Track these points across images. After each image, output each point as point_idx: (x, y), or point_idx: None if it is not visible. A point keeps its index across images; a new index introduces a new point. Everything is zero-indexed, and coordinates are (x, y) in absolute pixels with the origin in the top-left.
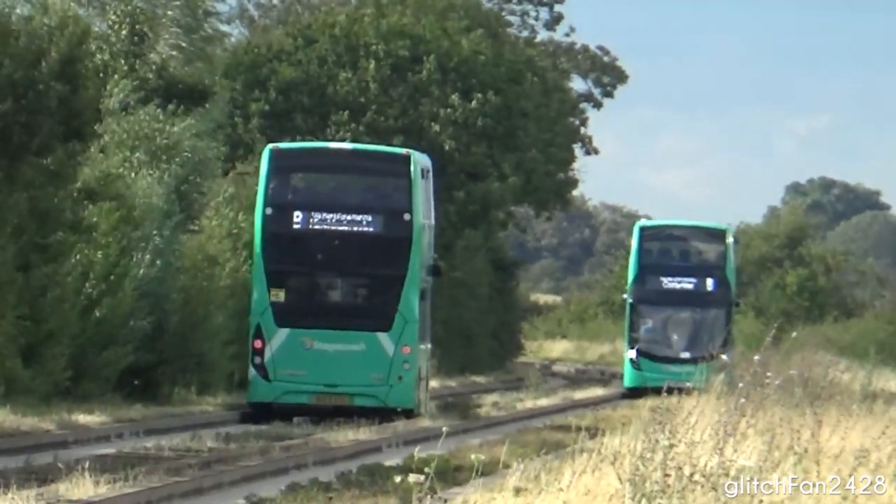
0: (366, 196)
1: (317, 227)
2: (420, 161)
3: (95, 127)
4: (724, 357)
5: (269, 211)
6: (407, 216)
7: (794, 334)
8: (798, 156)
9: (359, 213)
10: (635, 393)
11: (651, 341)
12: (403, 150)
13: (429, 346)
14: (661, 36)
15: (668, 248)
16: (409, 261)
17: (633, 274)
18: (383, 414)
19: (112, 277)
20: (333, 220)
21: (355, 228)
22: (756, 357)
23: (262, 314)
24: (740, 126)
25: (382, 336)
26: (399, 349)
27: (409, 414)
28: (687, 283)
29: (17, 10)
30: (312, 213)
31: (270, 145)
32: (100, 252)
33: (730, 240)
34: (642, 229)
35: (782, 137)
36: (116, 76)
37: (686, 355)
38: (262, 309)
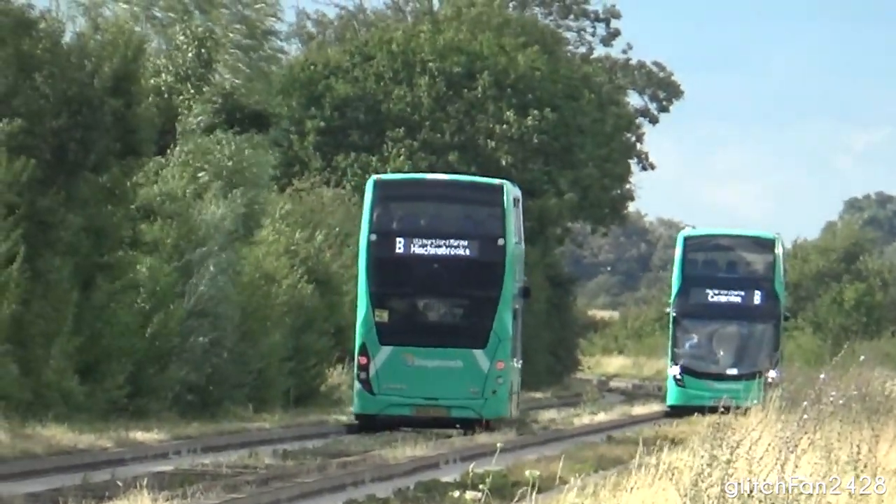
0: (462, 223)
1: (417, 252)
2: (512, 191)
3: (172, 147)
4: (772, 374)
5: (373, 237)
6: (500, 241)
7: (848, 346)
8: (856, 171)
9: (456, 239)
10: (679, 412)
11: (695, 357)
12: (497, 181)
13: (520, 361)
14: (719, 51)
15: (714, 258)
16: (502, 283)
17: (677, 286)
18: (479, 425)
19: (169, 295)
20: (432, 246)
21: (452, 253)
22: (822, 376)
23: (367, 333)
24: (799, 141)
25: (478, 353)
26: (493, 365)
27: (501, 425)
28: (733, 296)
29: (70, 27)
30: (413, 240)
31: (374, 177)
32: (156, 269)
33: (779, 249)
34: (686, 239)
35: (841, 152)
36: (182, 97)
37: (733, 372)
38: (367, 328)
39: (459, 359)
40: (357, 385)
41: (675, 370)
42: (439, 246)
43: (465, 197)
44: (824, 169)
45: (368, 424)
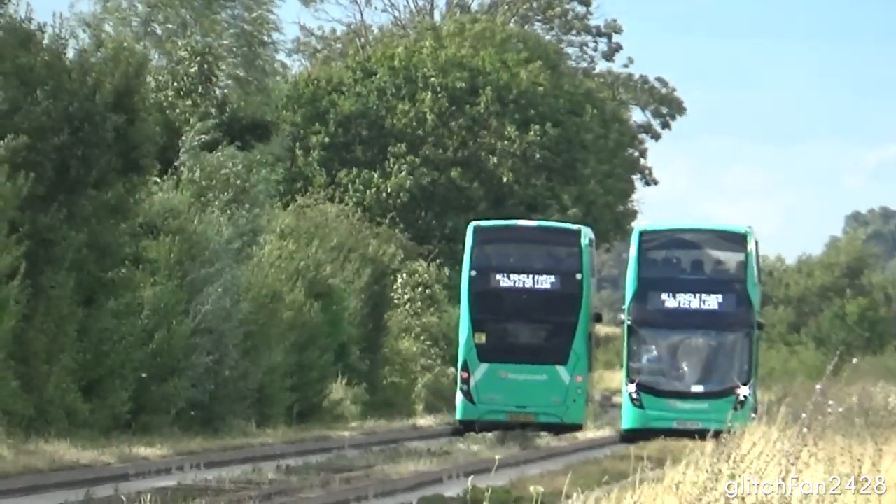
0: (547, 261)
1: (509, 285)
2: (587, 234)
3: (176, 164)
4: (744, 392)
5: (473, 273)
6: (578, 276)
7: (854, 361)
8: (865, 187)
9: (542, 275)
10: (636, 437)
11: (655, 373)
12: (575, 226)
13: (593, 374)
14: (722, 68)
15: (676, 257)
16: (580, 310)
17: (632, 290)
18: (559, 429)
19: (173, 313)
20: (522, 280)
21: (539, 286)
22: (818, 386)
23: (468, 352)
24: (807, 159)
25: (560, 368)
26: (573, 378)
27: (579, 428)
28: (699, 301)
29: (72, 43)
30: (506, 275)
31: (473, 223)
32: (160, 286)
33: (751, 246)
34: (643, 234)
35: (850, 170)
36: (178, 111)
37: (698, 389)
38: (468, 348)
39: (545, 373)
40: (459, 395)
41: (631, 388)
42: (528, 280)
43: (548, 239)
44: (833, 186)
45: (469, 428)
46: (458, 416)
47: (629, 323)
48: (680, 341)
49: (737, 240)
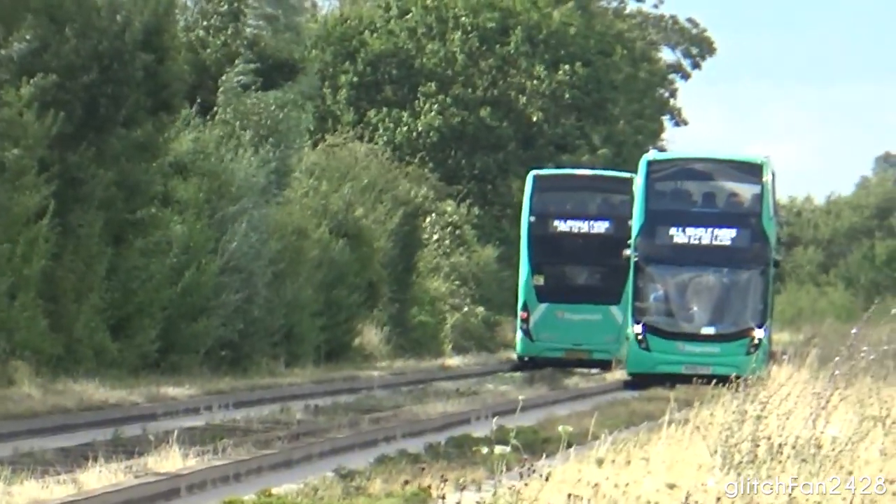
0: (600, 207)
1: (566, 229)
2: (636, 181)
3: (216, 107)
4: (760, 334)
5: (532, 219)
6: (629, 222)
7: (879, 301)
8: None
9: (596, 220)
10: (642, 381)
11: (662, 313)
12: (628, 174)
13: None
14: (756, 9)
15: (686, 189)
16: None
17: (639, 223)
18: (606, 365)
19: (202, 251)
20: (578, 225)
21: (593, 231)
22: (854, 330)
23: (528, 293)
24: (841, 100)
25: (613, 308)
26: (625, 318)
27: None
28: (710, 236)
29: None
30: (563, 220)
31: (533, 172)
32: (189, 225)
33: (768, 177)
34: (650, 164)
35: (885, 110)
36: (208, 51)
37: (709, 331)
38: (528, 289)
39: (599, 313)
40: (519, 333)
41: (636, 329)
42: (583, 225)
43: (603, 187)
44: (865, 127)
45: (529, 364)
46: (518, 351)
47: (635, 259)
48: (690, 279)
49: (752, 171)
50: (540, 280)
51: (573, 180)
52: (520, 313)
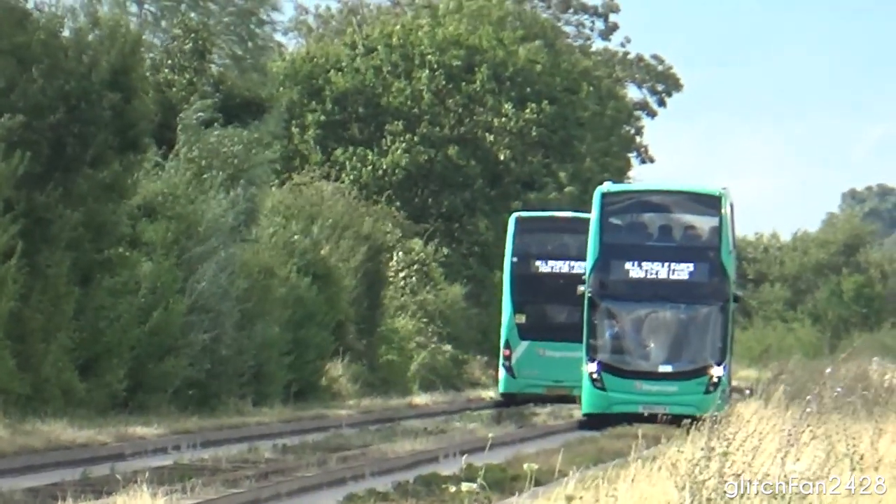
0: (580, 249)
1: (547, 270)
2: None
3: (176, 143)
4: (718, 372)
5: (515, 259)
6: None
7: (848, 338)
8: (863, 165)
9: (575, 261)
10: (597, 422)
11: (618, 351)
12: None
13: None
14: (722, 45)
15: (642, 221)
16: None
17: (593, 258)
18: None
19: (170, 292)
20: (559, 266)
21: (574, 271)
22: (828, 370)
23: (510, 331)
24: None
25: None
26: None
27: None
28: (667, 271)
29: (68, 22)
30: (545, 261)
31: (516, 214)
32: (156, 265)
33: (726, 209)
34: (605, 196)
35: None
36: (174, 89)
37: (666, 369)
38: (510, 327)
39: (579, 350)
40: (502, 370)
41: (591, 367)
42: (564, 265)
43: (582, 229)
44: (830, 164)
45: (511, 400)
46: (500, 389)
47: (589, 294)
48: (646, 315)
49: (710, 202)
50: (522, 318)
51: (554, 222)
52: (502, 351)
